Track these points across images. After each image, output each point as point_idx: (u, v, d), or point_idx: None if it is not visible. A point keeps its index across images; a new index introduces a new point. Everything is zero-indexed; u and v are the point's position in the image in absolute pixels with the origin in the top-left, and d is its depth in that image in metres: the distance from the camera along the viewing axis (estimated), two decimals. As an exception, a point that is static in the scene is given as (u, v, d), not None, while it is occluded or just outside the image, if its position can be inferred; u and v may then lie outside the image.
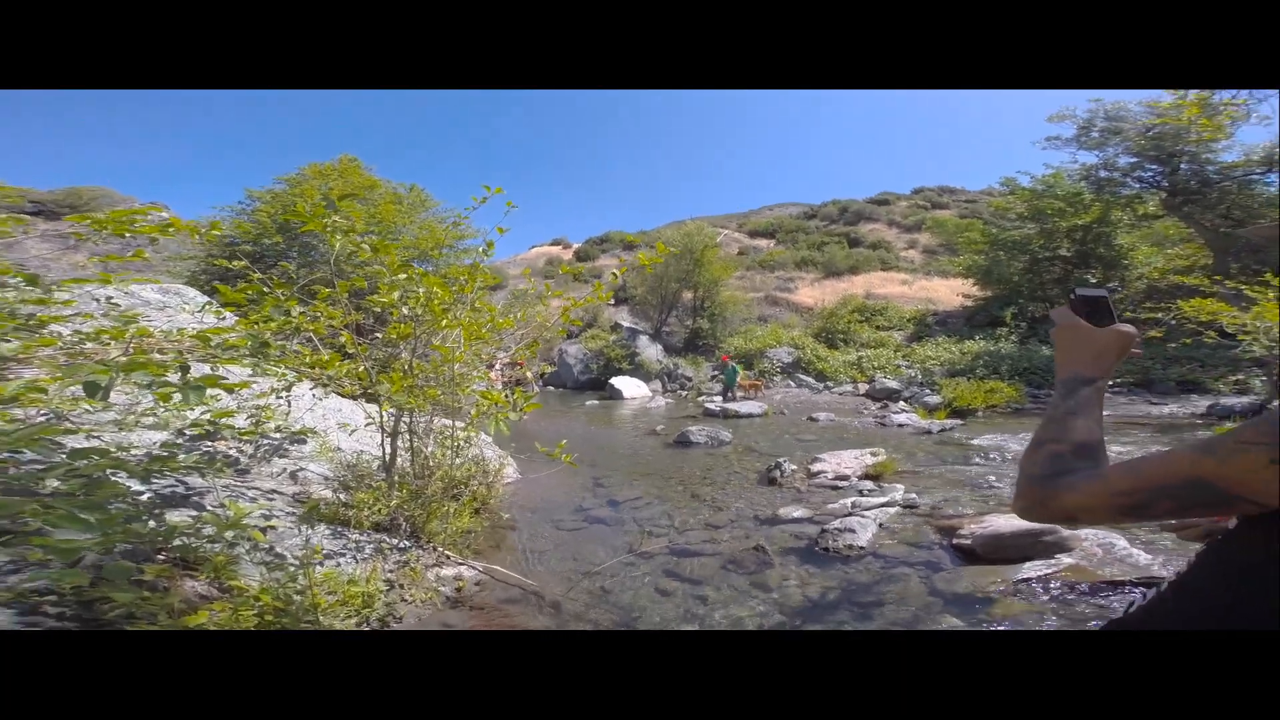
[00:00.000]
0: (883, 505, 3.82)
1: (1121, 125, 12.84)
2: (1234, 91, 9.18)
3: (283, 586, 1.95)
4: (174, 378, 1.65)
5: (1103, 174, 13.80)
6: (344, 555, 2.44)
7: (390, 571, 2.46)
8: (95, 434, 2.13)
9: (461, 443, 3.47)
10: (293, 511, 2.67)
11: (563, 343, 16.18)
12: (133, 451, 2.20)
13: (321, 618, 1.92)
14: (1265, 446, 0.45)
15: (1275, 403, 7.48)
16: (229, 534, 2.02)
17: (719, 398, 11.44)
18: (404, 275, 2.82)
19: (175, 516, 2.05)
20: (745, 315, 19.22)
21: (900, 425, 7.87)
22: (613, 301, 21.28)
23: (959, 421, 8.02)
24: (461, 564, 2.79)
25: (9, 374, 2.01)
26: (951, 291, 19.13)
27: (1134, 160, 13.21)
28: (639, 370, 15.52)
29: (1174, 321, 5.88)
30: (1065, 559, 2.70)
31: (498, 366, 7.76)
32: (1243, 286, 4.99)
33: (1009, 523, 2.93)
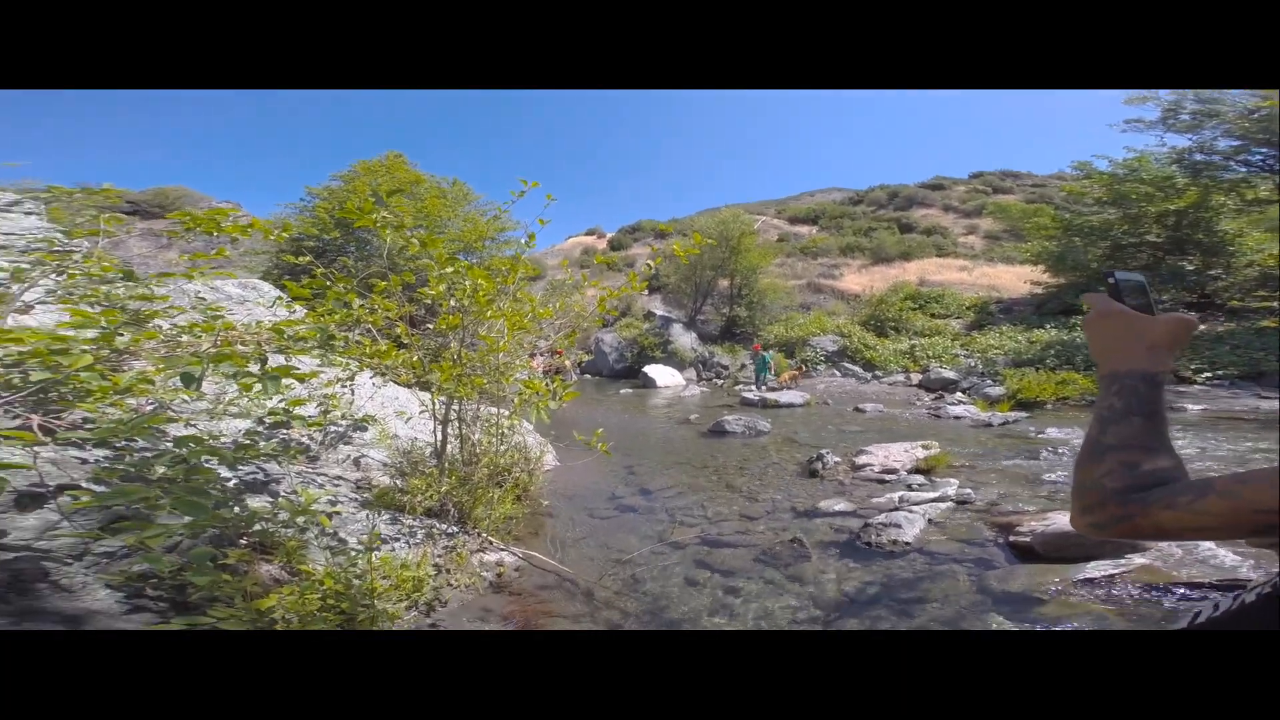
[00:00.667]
0: (933, 500, 3.66)
1: (1217, 107, 11.85)
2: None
3: (344, 571, 2.03)
4: (253, 369, 1.79)
5: (1198, 157, 12.79)
6: (398, 540, 2.58)
7: (438, 556, 2.56)
8: (191, 423, 2.32)
9: (505, 430, 3.61)
10: (354, 497, 2.84)
11: (599, 331, 16.37)
12: (220, 439, 2.36)
13: (377, 602, 2.01)
14: None
15: None
16: (300, 519, 2.14)
17: (772, 380, 11.25)
18: (451, 269, 2.93)
19: (255, 502, 2.19)
20: (786, 303, 18.82)
21: (956, 417, 7.45)
22: (646, 290, 21.31)
23: (1024, 414, 7.49)
24: (503, 549, 2.91)
25: (123, 366, 2.24)
26: (1017, 278, 18.22)
27: (1237, 143, 12.15)
28: (672, 359, 15.51)
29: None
30: (1137, 559, 2.49)
31: (538, 357, 8.00)
32: None
33: (1073, 521, 2.73)
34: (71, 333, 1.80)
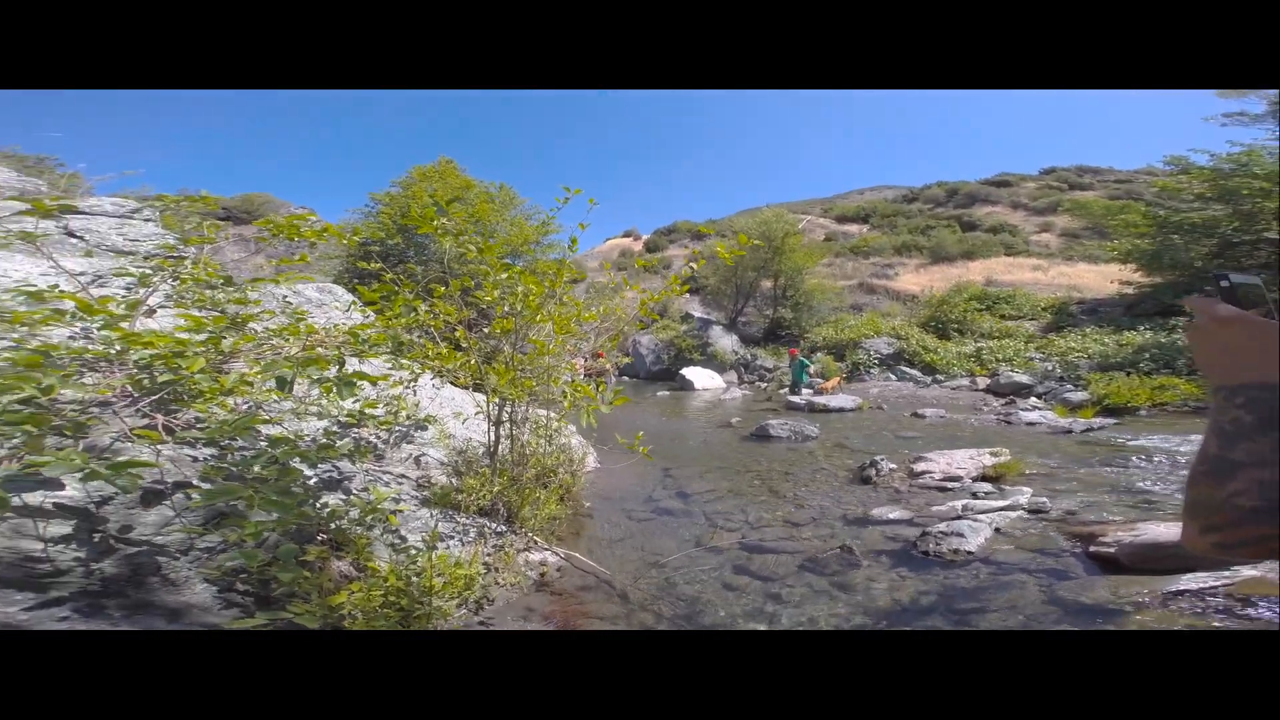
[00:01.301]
0: (1002, 509, 3.40)
1: None
2: None
3: (405, 569, 2.07)
4: (331, 372, 1.89)
5: None
6: (453, 538, 2.66)
7: (488, 555, 2.62)
8: (278, 422, 2.34)
9: (553, 432, 3.72)
10: (415, 495, 2.96)
11: (636, 333, 16.39)
12: (302, 439, 2.35)
13: (434, 600, 2.04)
14: None
15: None
16: (369, 517, 2.22)
17: (806, 390, 10.80)
18: (504, 275, 3.05)
19: (331, 500, 2.27)
20: (835, 304, 18.15)
21: (1030, 424, 6.88)
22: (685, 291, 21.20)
23: (1111, 420, 6.80)
24: (546, 549, 2.97)
25: (224, 368, 2.41)
26: (1103, 278, 16.84)
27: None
28: (711, 361, 15.26)
29: None
30: (1245, 570, 2.20)
31: (581, 360, 8.15)
32: None
33: (1172, 531, 2.46)
34: (187, 336, 1.95)
